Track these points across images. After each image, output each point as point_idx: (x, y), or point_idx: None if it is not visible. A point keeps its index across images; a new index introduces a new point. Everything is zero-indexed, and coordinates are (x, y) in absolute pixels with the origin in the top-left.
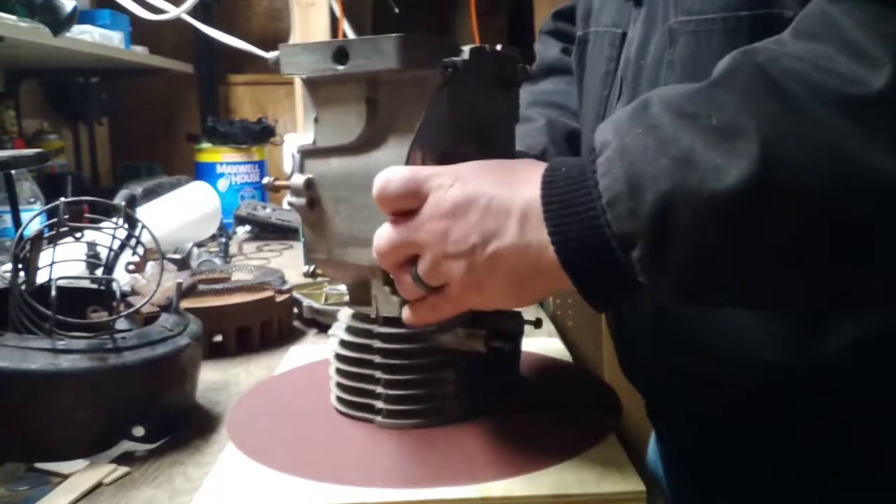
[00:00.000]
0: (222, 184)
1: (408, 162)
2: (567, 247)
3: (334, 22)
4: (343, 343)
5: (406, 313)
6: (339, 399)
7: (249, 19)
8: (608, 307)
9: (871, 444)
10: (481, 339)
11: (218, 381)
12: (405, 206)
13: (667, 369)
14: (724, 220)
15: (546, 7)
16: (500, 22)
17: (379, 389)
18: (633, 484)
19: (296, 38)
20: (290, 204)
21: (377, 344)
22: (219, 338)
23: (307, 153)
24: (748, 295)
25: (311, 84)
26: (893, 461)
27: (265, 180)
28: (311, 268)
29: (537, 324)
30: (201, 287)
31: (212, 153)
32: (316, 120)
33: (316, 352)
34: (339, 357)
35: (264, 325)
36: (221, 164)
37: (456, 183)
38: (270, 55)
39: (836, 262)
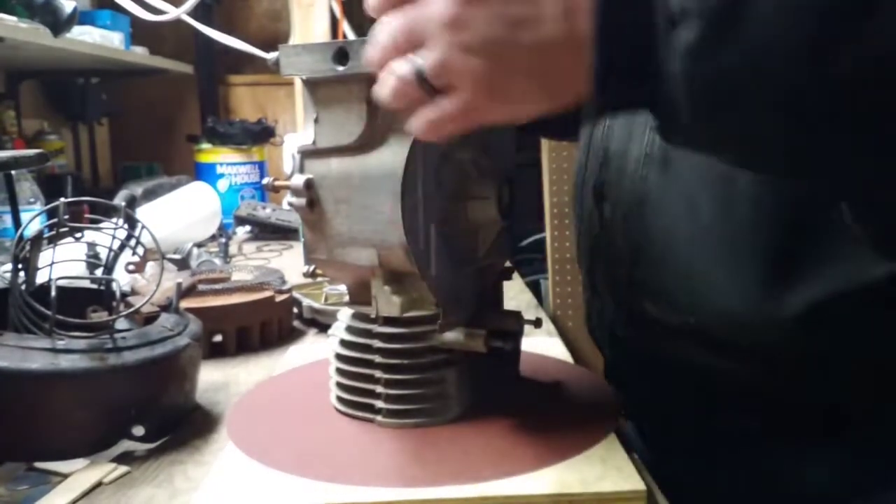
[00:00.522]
0: (222, 184)
1: (406, 168)
2: (607, 25)
3: (334, 23)
4: (343, 343)
5: (412, 123)
6: (339, 399)
7: (249, 20)
8: (609, 110)
9: (831, 403)
10: (481, 339)
11: (218, 381)
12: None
13: (631, 318)
14: (809, 15)
15: None
16: None
17: (379, 389)
18: (633, 483)
19: (296, 38)
20: (290, 204)
21: (377, 344)
22: (219, 338)
23: (307, 153)
24: (783, 125)
25: (311, 84)
26: (859, 418)
27: (265, 181)
28: (312, 268)
29: (537, 323)
30: (201, 287)
31: (212, 153)
32: (316, 120)
33: (316, 352)
34: (338, 357)
35: (264, 325)
36: (221, 164)
37: None
38: (270, 56)
39: None
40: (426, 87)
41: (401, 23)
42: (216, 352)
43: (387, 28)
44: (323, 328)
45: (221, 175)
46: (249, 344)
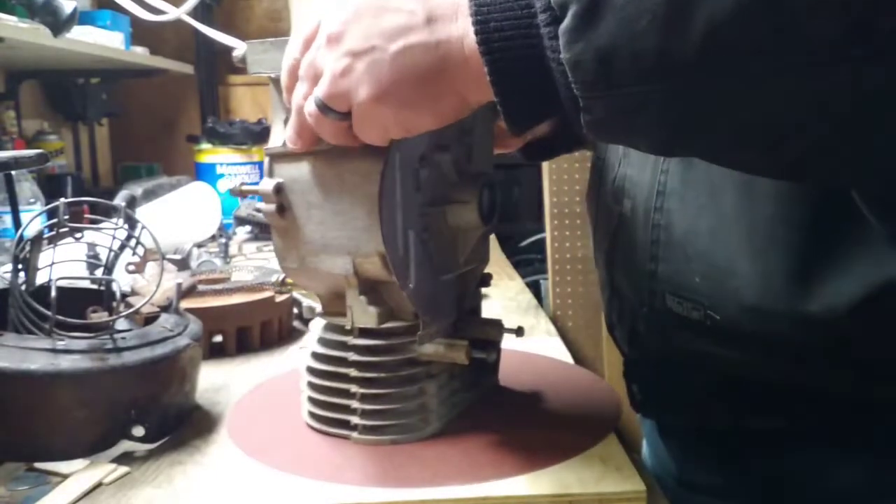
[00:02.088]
0: (222, 184)
1: (384, 171)
2: (487, 28)
3: None
4: (316, 356)
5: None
6: (312, 415)
7: (249, 20)
8: (522, 117)
9: (873, 406)
10: (463, 350)
11: (218, 381)
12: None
13: (653, 314)
14: None
15: None
16: None
17: (355, 404)
18: (633, 483)
19: None
20: (258, 210)
21: (353, 357)
22: (219, 338)
23: (277, 156)
24: (661, 89)
25: (280, 83)
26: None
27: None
28: (281, 277)
29: (519, 332)
30: (201, 287)
31: (212, 154)
32: (286, 121)
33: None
34: (311, 371)
35: (264, 325)
36: (221, 164)
37: (346, 1)
38: (236, 52)
39: (762, 61)
40: (331, 114)
41: (303, 69)
42: (216, 352)
43: (298, 89)
44: None
45: (221, 175)
46: (249, 344)
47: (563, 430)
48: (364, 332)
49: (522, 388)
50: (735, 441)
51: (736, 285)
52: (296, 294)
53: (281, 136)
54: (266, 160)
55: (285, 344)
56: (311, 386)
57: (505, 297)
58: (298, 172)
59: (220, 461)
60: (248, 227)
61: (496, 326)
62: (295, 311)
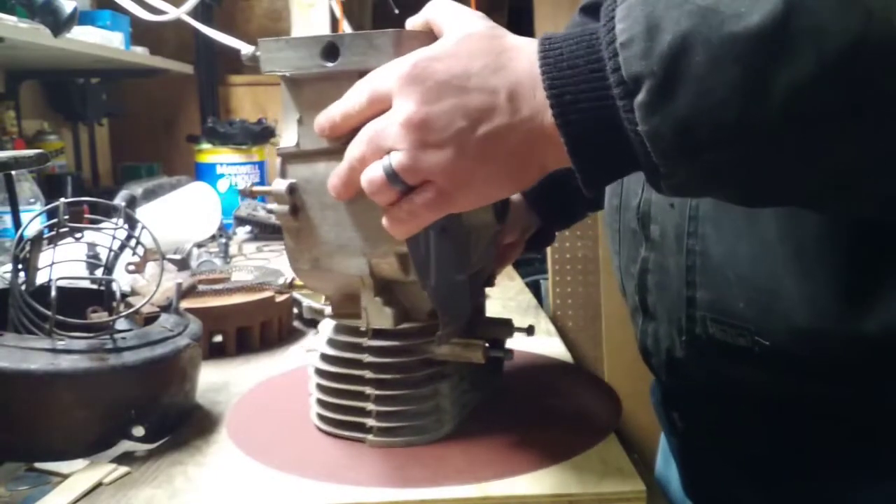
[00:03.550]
0: (222, 184)
1: None
2: (562, 101)
3: (334, 23)
4: (326, 358)
5: (385, 222)
6: (322, 418)
7: (249, 20)
8: (598, 180)
9: None
10: (480, 350)
11: (218, 381)
12: (374, 114)
13: (692, 341)
14: (739, 59)
15: (546, 7)
16: (501, 22)
17: (370, 406)
18: (633, 484)
19: None
20: (271, 211)
21: (368, 358)
22: (219, 338)
23: (290, 157)
24: (744, 152)
25: (295, 83)
26: None
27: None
28: (290, 279)
29: (529, 331)
30: (201, 287)
31: (212, 153)
32: (300, 121)
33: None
34: (321, 373)
35: (264, 325)
36: (221, 164)
37: (422, 66)
38: (247, 50)
39: (843, 122)
40: (398, 184)
41: (365, 135)
42: (216, 352)
43: (354, 146)
44: None
45: (221, 175)
46: (249, 344)
47: (563, 430)
48: (378, 334)
49: (522, 388)
50: (775, 470)
51: (784, 309)
52: (296, 294)
53: (293, 136)
54: (278, 160)
55: (285, 344)
56: (322, 388)
57: (505, 297)
58: (312, 173)
59: (220, 461)
60: (248, 227)
61: (506, 326)
62: (295, 311)
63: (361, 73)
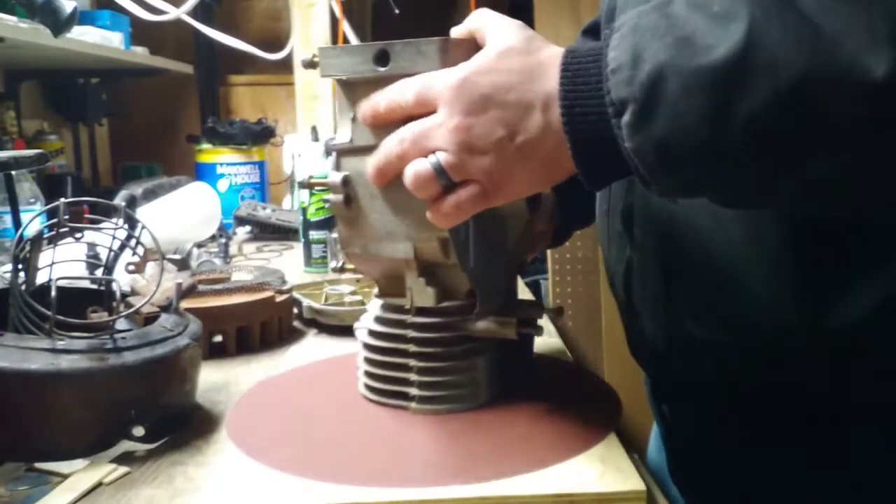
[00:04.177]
0: (222, 184)
1: None
2: (572, 112)
3: (334, 23)
4: (373, 334)
5: (430, 214)
6: (370, 388)
7: (250, 20)
8: (600, 181)
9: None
10: (513, 327)
11: (218, 381)
12: (418, 112)
13: (672, 337)
14: (705, 89)
15: (546, 7)
16: None
17: (413, 377)
18: (633, 483)
19: (296, 38)
20: (326, 201)
21: (411, 333)
22: (219, 338)
23: (344, 152)
24: (714, 170)
25: (349, 85)
26: None
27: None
28: (342, 262)
29: (559, 312)
30: (201, 287)
31: (212, 154)
32: (353, 119)
33: (315, 352)
34: (369, 347)
35: (264, 325)
36: (221, 164)
37: (470, 81)
38: (303, 56)
39: (799, 147)
40: (444, 180)
41: (410, 133)
42: (216, 352)
43: (394, 140)
44: (323, 328)
45: (221, 175)
46: (249, 344)
47: (563, 429)
48: (421, 311)
49: (523, 387)
50: (757, 463)
51: (751, 307)
52: (296, 294)
53: (348, 133)
54: (333, 155)
55: (285, 344)
56: (370, 361)
57: None
58: (363, 166)
59: (220, 461)
60: (248, 227)
61: (537, 307)
62: (295, 311)
63: (408, 77)
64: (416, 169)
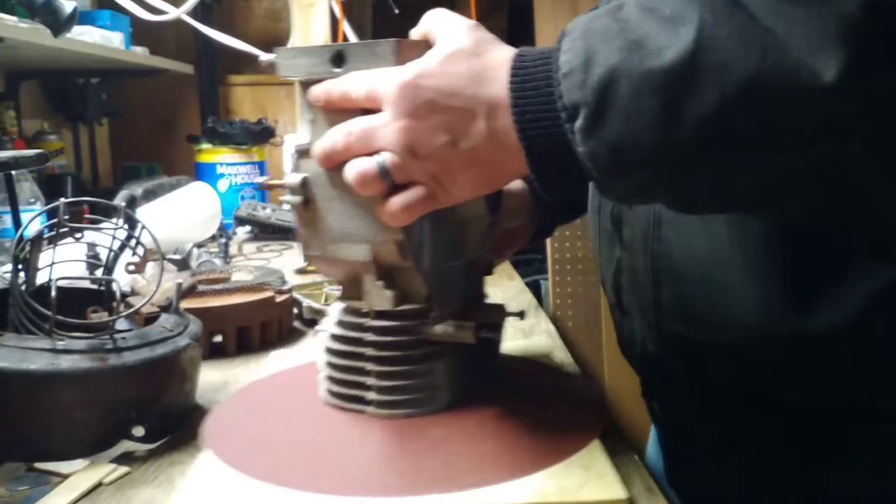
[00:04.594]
0: (222, 184)
1: None
2: (524, 119)
3: (334, 23)
4: (334, 337)
5: (380, 211)
6: (330, 392)
7: (249, 20)
8: (556, 189)
9: (871, 417)
10: (471, 331)
11: (218, 381)
12: (367, 106)
13: (662, 337)
14: (656, 92)
15: (546, 7)
16: (501, 22)
17: (370, 381)
18: (614, 492)
19: (296, 39)
20: (285, 202)
21: (369, 337)
22: (219, 338)
23: (302, 153)
24: (667, 172)
25: (308, 86)
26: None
27: (259, 179)
28: (305, 264)
29: (521, 315)
30: (201, 287)
31: (212, 153)
32: (312, 121)
33: (297, 356)
34: (329, 351)
35: (264, 325)
36: (221, 164)
37: (414, 84)
38: (264, 57)
39: (748, 149)
40: (388, 180)
41: (357, 128)
42: (216, 352)
43: (342, 132)
44: None
45: (221, 175)
46: (249, 344)
47: (545, 436)
48: (380, 315)
49: (505, 391)
50: (748, 462)
51: (737, 307)
52: (296, 294)
53: (307, 134)
54: (293, 156)
55: (285, 344)
56: (330, 365)
57: (505, 297)
58: (322, 168)
59: (197, 469)
60: (247, 227)
61: (499, 310)
62: (295, 311)
63: None
64: (360, 167)
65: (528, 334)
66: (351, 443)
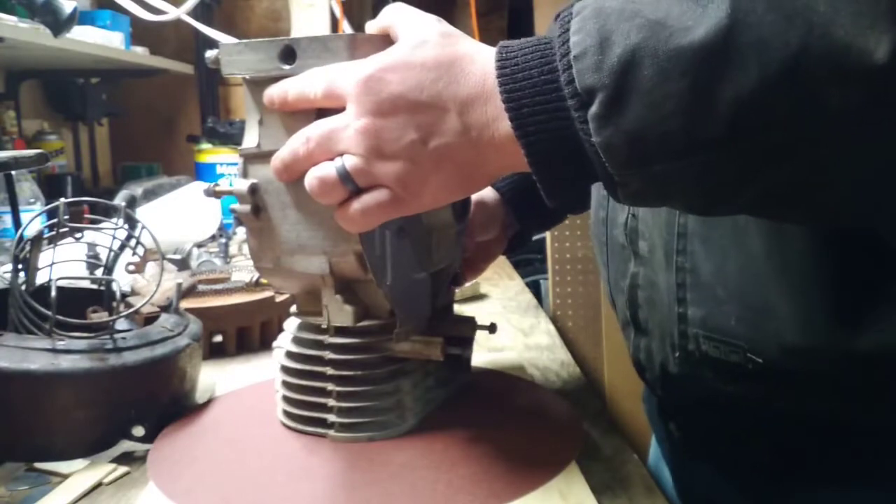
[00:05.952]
0: (222, 184)
1: None
2: (521, 114)
3: (334, 22)
4: (291, 355)
5: (337, 216)
6: (287, 414)
7: (249, 20)
8: (560, 192)
9: None
10: (438, 347)
11: (218, 381)
12: (327, 106)
13: (686, 358)
14: (685, 73)
15: (546, 7)
16: (501, 22)
17: (331, 402)
18: None
19: None
20: (233, 211)
21: (329, 355)
22: (219, 338)
23: (251, 157)
24: (692, 166)
25: (255, 84)
26: None
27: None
28: (256, 277)
29: (491, 329)
30: (201, 287)
31: (212, 153)
32: (260, 122)
33: (252, 374)
34: (286, 370)
35: (264, 325)
36: (221, 164)
37: (377, 77)
38: (209, 53)
39: (787, 135)
40: (350, 185)
41: (316, 133)
42: (216, 352)
43: (300, 139)
44: None
45: (221, 175)
46: (249, 344)
47: (521, 461)
48: (340, 331)
49: (476, 411)
50: (773, 486)
51: (775, 326)
52: None
53: (255, 137)
54: (240, 161)
55: None
56: (287, 385)
57: (505, 297)
58: (273, 172)
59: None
60: None
61: (469, 324)
62: None
63: None
64: (319, 173)
65: (528, 334)
66: (310, 470)
